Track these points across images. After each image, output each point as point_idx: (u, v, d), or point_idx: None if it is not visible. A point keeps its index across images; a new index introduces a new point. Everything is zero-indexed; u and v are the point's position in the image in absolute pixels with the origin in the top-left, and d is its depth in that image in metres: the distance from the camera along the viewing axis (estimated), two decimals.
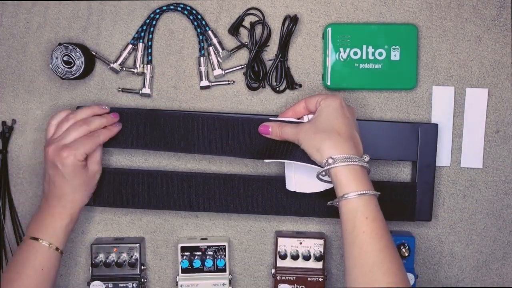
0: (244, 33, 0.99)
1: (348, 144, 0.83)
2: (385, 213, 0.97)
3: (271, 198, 0.98)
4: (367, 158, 0.84)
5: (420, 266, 1.02)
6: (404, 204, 0.98)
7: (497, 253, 1.02)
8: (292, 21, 0.98)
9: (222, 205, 0.98)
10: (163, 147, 0.97)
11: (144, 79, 0.99)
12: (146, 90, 0.99)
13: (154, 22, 0.99)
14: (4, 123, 1.01)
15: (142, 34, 0.99)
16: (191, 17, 0.99)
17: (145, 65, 0.99)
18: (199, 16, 0.98)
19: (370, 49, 0.98)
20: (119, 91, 1.00)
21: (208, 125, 0.96)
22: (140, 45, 0.99)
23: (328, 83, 0.98)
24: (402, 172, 1.01)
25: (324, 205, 0.97)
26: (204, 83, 0.99)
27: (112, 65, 0.99)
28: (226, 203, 0.98)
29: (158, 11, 0.99)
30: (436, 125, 0.97)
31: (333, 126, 0.84)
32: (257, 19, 0.99)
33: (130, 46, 0.99)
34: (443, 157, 1.01)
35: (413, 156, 0.97)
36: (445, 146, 1.01)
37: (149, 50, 0.99)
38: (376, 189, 0.87)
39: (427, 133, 0.97)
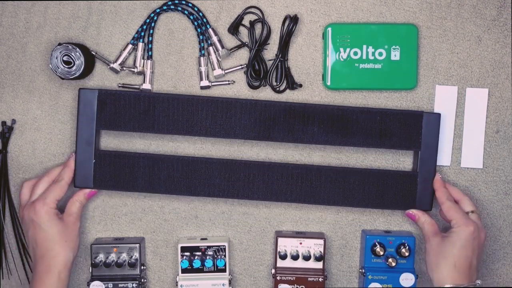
0: (244, 33, 0.99)
1: (461, 275, 0.91)
2: (386, 202, 0.98)
3: (271, 184, 0.98)
4: (479, 283, 0.89)
5: (420, 266, 1.02)
6: (405, 193, 0.98)
7: (497, 253, 1.02)
8: (292, 21, 0.98)
9: (222, 190, 0.98)
10: (164, 130, 0.97)
11: (145, 74, 0.99)
12: (146, 86, 0.99)
13: (153, 24, 0.99)
14: (4, 123, 1.01)
15: (142, 33, 0.99)
16: (191, 17, 0.99)
17: (145, 61, 0.99)
18: (200, 14, 0.98)
19: (370, 49, 0.98)
20: (119, 86, 1.00)
21: (210, 108, 0.96)
22: (140, 44, 0.99)
23: (328, 83, 0.98)
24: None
25: (324, 192, 0.98)
26: (204, 83, 0.99)
27: (112, 65, 0.99)
28: (226, 188, 0.98)
29: (158, 11, 0.99)
30: (439, 115, 0.97)
31: (454, 256, 0.91)
32: (256, 17, 0.99)
33: (130, 46, 0.99)
34: (443, 157, 1.01)
35: (416, 145, 0.97)
36: (445, 146, 1.01)
37: (150, 46, 0.99)
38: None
39: (430, 122, 0.97)
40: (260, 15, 0.98)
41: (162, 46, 1.00)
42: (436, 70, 1.00)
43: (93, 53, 0.99)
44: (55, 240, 0.93)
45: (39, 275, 0.92)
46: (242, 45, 0.99)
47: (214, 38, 0.98)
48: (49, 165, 1.01)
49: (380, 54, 0.98)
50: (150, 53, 0.99)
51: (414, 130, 0.97)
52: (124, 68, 0.99)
